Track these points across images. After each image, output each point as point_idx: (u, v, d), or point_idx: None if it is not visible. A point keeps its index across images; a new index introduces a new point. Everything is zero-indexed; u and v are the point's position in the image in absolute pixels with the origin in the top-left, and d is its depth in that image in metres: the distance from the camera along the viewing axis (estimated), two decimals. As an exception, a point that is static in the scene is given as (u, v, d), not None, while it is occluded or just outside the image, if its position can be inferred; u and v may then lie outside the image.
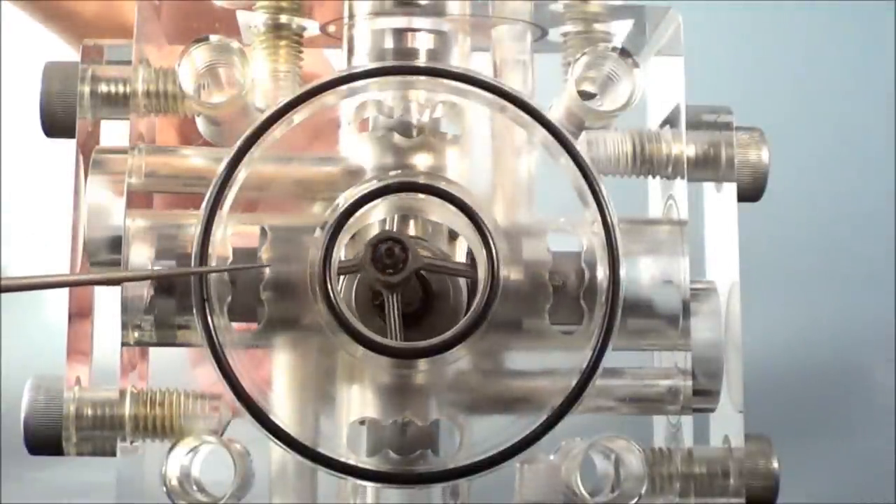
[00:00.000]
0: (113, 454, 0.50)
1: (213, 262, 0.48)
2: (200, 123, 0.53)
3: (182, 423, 0.50)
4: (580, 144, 0.50)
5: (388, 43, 0.53)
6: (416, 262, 0.48)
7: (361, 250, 0.48)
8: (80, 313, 0.53)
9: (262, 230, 0.49)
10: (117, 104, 0.52)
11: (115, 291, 0.50)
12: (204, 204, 0.49)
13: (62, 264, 0.52)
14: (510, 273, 0.49)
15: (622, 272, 0.49)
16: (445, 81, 0.50)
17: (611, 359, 0.49)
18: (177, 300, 0.49)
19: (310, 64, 0.55)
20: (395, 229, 0.50)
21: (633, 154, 0.52)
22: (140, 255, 0.50)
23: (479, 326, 0.48)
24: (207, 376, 0.49)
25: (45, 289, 0.44)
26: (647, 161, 0.52)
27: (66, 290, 0.52)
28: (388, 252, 0.48)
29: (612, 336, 0.49)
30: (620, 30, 0.54)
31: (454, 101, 0.51)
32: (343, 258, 0.50)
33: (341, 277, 0.50)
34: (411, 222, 0.51)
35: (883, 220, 0.87)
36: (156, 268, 0.50)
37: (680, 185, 0.52)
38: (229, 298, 0.49)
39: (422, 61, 0.52)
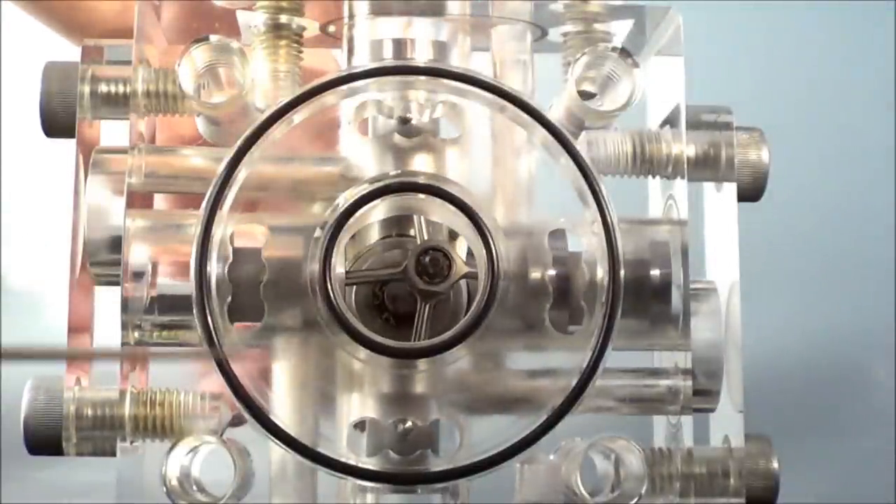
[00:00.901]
0: (113, 454, 0.50)
1: (213, 263, 0.48)
2: (200, 123, 0.53)
3: (182, 423, 0.50)
4: (580, 144, 0.50)
5: (388, 43, 0.52)
6: (459, 272, 0.48)
7: (395, 257, 0.49)
8: (79, 328, 0.53)
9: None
10: (117, 104, 0.52)
11: (115, 292, 0.50)
12: (204, 204, 0.49)
13: (62, 264, 0.52)
14: (510, 273, 0.49)
15: (622, 272, 0.49)
16: (445, 81, 0.50)
17: (611, 359, 0.49)
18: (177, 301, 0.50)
19: (317, 62, 0.55)
20: (427, 236, 0.50)
21: (633, 154, 0.52)
22: (140, 255, 0.50)
23: (478, 326, 0.48)
24: (213, 385, 0.50)
25: (46, 359, 0.44)
26: (647, 161, 0.52)
27: (66, 296, 0.52)
28: (432, 261, 0.48)
29: (612, 336, 0.49)
30: (620, 30, 0.54)
31: (454, 101, 0.51)
32: (345, 259, 0.50)
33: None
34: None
35: (883, 220, 0.87)
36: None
37: (680, 185, 0.52)
38: (229, 299, 0.49)
39: (422, 61, 0.52)
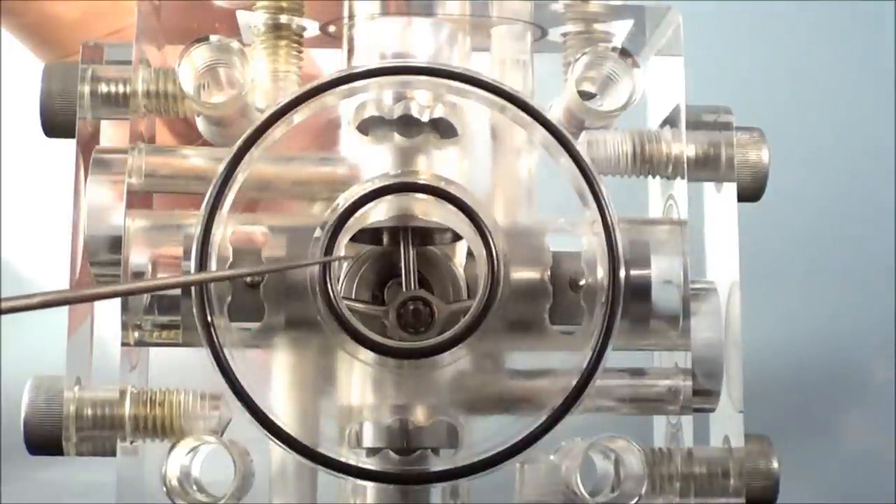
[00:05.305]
0: (113, 454, 0.50)
1: (213, 263, 0.48)
2: (200, 123, 0.53)
3: (182, 423, 0.50)
4: (580, 144, 0.50)
5: (388, 43, 0.52)
6: (441, 315, 0.48)
7: (387, 300, 0.49)
8: (78, 328, 0.52)
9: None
10: (117, 104, 0.52)
11: (115, 291, 0.50)
12: (204, 204, 0.49)
13: (62, 264, 0.52)
14: (510, 273, 0.49)
15: (622, 272, 0.49)
16: (445, 81, 0.50)
17: (611, 359, 0.49)
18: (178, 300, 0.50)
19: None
20: (412, 277, 0.50)
21: (633, 154, 0.52)
22: (140, 255, 0.50)
23: (478, 326, 0.48)
24: None
25: (47, 307, 0.43)
26: (647, 161, 0.52)
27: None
28: (414, 312, 0.48)
29: (612, 336, 0.49)
30: (620, 30, 0.54)
31: (454, 101, 0.51)
32: (343, 258, 0.50)
33: (341, 276, 0.50)
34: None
35: (883, 220, 0.87)
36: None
37: (680, 185, 0.52)
38: (229, 298, 0.49)
39: (422, 61, 0.52)
